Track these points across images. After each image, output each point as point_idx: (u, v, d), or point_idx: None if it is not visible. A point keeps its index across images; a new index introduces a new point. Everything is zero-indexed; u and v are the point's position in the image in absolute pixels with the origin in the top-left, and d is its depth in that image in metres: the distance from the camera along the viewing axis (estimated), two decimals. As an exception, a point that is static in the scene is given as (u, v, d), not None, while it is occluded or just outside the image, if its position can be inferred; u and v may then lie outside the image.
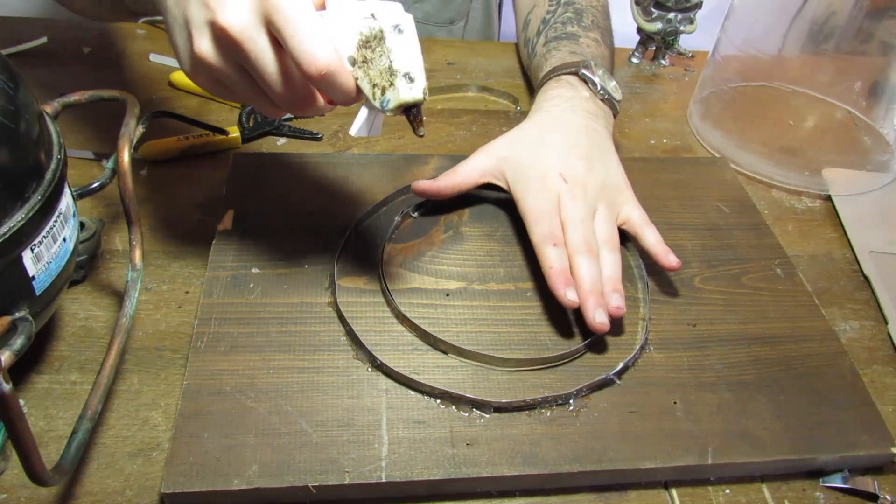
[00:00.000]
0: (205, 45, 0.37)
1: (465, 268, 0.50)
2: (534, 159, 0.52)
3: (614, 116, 0.58)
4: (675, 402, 0.44)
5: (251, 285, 0.47)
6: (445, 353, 0.44)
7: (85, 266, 0.49)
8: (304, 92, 0.38)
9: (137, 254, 0.43)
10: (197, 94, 0.68)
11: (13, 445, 0.30)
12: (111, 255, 0.51)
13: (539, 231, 0.48)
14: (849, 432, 0.43)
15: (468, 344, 0.45)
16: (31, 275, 0.36)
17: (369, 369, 0.43)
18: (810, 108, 0.75)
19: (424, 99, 0.38)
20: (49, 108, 0.42)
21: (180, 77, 0.68)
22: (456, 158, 0.59)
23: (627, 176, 0.53)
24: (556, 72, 0.59)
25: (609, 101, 0.57)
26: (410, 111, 0.39)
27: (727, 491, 0.42)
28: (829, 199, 0.65)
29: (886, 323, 0.53)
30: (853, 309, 0.54)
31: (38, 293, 0.37)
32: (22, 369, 0.43)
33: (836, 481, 0.42)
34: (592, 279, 0.46)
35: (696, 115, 0.74)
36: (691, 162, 0.65)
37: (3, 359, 0.29)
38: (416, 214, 0.54)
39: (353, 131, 0.41)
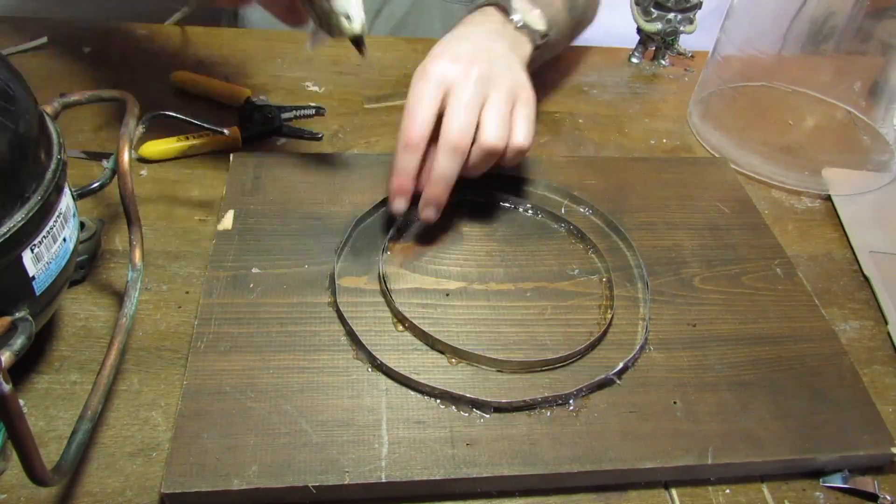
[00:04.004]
0: None
1: (465, 268, 0.50)
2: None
3: (535, 48, 0.58)
4: (675, 402, 0.44)
5: (251, 285, 0.47)
6: (443, 353, 0.44)
7: (85, 266, 0.49)
8: None
9: (137, 254, 0.43)
10: (197, 95, 0.68)
11: (13, 445, 0.30)
12: (111, 255, 0.51)
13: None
14: (849, 432, 0.43)
15: (468, 344, 0.45)
16: (31, 275, 0.36)
17: (369, 369, 0.43)
18: (810, 108, 0.75)
19: (362, 33, 0.49)
20: (49, 108, 0.42)
21: (180, 77, 0.69)
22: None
23: (627, 176, 0.53)
24: (478, 3, 0.59)
25: (525, 29, 0.57)
26: (356, 42, 0.50)
27: (727, 491, 0.42)
28: (828, 198, 0.65)
29: (886, 323, 0.53)
30: (853, 309, 0.54)
31: (38, 293, 0.37)
32: (22, 369, 0.43)
33: (836, 481, 0.42)
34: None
35: (696, 115, 0.73)
36: (691, 162, 0.65)
37: (3, 359, 0.29)
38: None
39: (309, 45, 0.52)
